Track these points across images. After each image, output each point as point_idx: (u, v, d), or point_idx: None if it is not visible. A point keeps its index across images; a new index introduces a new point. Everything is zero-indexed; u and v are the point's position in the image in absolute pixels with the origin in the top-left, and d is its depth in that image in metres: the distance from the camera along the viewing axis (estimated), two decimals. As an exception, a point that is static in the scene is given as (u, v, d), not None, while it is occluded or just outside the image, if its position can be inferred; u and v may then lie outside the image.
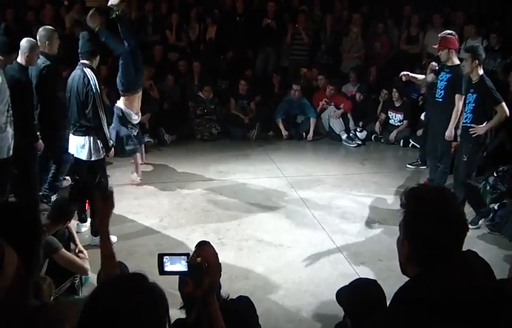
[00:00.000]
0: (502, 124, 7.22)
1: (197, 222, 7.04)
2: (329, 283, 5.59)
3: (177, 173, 8.85)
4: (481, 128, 6.89)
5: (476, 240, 6.77)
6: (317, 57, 12.39)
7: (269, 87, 12.02)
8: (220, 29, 12.32)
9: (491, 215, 7.21)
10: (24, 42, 6.44)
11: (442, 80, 7.71)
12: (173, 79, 11.20)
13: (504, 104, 6.82)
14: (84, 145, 6.29)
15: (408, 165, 9.56)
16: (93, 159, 6.34)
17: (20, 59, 6.37)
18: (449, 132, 7.55)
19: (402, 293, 2.05)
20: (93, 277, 5.10)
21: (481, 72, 6.94)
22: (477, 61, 6.86)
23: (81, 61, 6.31)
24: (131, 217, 7.08)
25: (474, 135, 6.90)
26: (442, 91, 7.70)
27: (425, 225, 2.06)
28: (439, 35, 7.73)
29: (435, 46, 7.85)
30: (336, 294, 3.65)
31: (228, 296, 3.42)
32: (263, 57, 12.45)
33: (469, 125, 7.00)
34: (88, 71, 6.19)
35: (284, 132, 11.09)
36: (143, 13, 12.34)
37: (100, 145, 6.30)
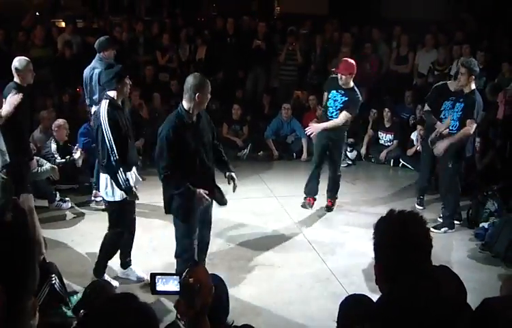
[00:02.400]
0: (466, 140, 7.49)
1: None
2: (319, 304, 5.61)
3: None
4: (442, 146, 7.22)
5: (467, 260, 6.82)
6: (307, 78, 12.44)
7: (260, 107, 12.05)
8: (210, 50, 12.39)
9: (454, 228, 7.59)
10: (17, 62, 6.46)
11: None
12: (160, 98, 11.17)
13: (474, 125, 7.19)
14: (107, 184, 5.73)
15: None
16: (108, 200, 5.90)
17: (16, 78, 6.41)
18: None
19: (375, 310, 2.26)
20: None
21: (474, 86, 7.28)
22: (473, 76, 7.22)
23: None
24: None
25: (435, 152, 7.38)
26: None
27: (389, 248, 2.26)
28: (343, 59, 7.97)
29: (334, 70, 8.07)
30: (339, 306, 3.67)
31: (233, 323, 3.41)
32: (253, 78, 12.50)
33: (455, 132, 7.30)
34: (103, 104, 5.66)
35: (274, 152, 11.09)
36: (133, 34, 12.40)
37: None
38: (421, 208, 8.41)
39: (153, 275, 2.24)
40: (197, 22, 13.90)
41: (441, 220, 7.70)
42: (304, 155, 10.96)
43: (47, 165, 7.81)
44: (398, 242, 2.24)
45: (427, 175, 8.42)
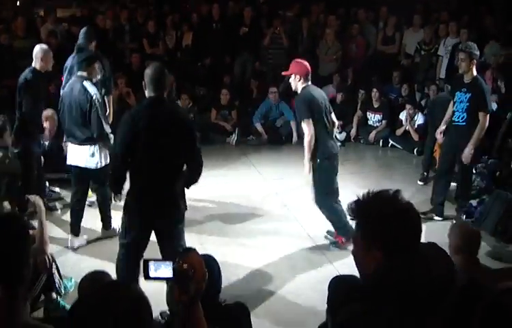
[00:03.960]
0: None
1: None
2: (312, 286, 5.62)
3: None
4: (467, 153, 6.93)
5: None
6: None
7: (248, 92, 12.03)
8: (196, 36, 12.34)
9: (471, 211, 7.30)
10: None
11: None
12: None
13: (487, 117, 6.87)
14: (93, 153, 6.27)
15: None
16: (100, 166, 6.35)
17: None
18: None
19: (367, 287, 2.22)
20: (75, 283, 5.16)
21: (475, 72, 6.97)
22: (474, 60, 6.89)
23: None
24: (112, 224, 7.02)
25: (464, 161, 7.00)
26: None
27: (378, 224, 2.22)
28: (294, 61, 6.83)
29: (284, 73, 7.11)
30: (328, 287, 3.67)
31: (225, 301, 3.42)
32: (240, 63, 12.47)
33: (461, 124, 7.03)
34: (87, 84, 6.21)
35: (263, 136, 11.08)
36: (118, 22, 12.32)
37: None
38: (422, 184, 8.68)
39: (146, 261, 2.23)
40: (183, 9, 13.80)
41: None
42: (295, 138, 10.92)
43: None
44: (387, 217, 2.23)
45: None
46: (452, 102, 7.28)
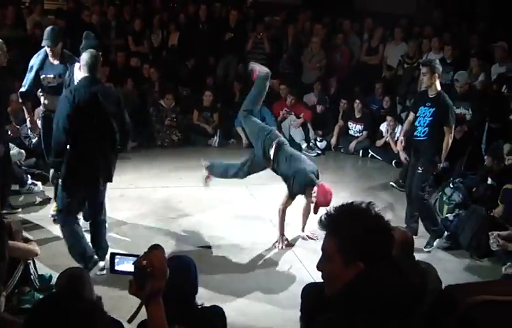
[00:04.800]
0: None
1: (157, 229, 7.03)
2: (287, 290, 5.68)
3: (137, 180, 8.80)
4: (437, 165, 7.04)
5: (432, 250, 6.93)
6: (279, 67, 12.47)
7: (230, 95, 12.07)
8: (182, 36, 12.34)
9: (445, 233, 7.24)
10: None
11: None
12: (133, 84, 11.14)
13: (452, 129, 6.89)
14: None
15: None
16: None
17: None
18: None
19: (343, 296, 2.19)
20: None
21: (439, 87, 6.97)
22: (436, 74, 6.88)
23: None
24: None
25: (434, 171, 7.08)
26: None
27: (370, 238, 2.20)
28: None
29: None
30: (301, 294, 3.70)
31: (202, 304, 3.44)
32: (224, 65, 12.49)
33: (423, 138, 6.98)
34: None
35: (244, 141, 11.09)
36: (105, 17, 12.28)
37: None
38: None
39: (112, 255, 2.28)
40: (170, 8, 13.79)
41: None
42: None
43: (14, 150, 7.76)
44: (377, 227, 2.25)
45: None
46: (411, 116, 7.32)
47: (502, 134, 9.06)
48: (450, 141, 6.89)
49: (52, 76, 6.86)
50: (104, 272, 5.68)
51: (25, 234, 5.36)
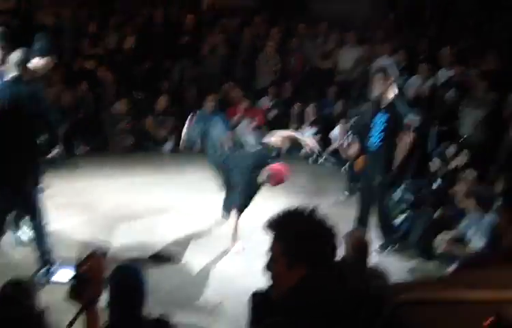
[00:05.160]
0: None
1: (109, 235, 7.01)
2: (237, 299, 5.67)
3: (89, 186, 8.74)
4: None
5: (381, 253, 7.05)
6: (233, 71, 12.50)
7: (185, 99, 12.04)
8: (138, 40, 12.27)
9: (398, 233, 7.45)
10: None
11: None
12: (88, 87, 11.04)
13: (408, 137, 6.91)
14: None
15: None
16: None
17: None
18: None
19: (287, 300, 2.24)
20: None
21: (394, 92, 6.92)
22: (390, 79, 6.84)
23: None
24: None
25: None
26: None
27: (294, 241, 2.27)
28: None
29: None
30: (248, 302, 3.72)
31: (149, 314, 3.43)
32: (179, 68, 12.47)
33: (378, 145, 7.00)
34: None
35: (198, 145, 11.04)
36: (60, 20, 12.13)
37: None
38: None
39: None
40: (126, 11, 13.68)
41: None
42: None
43: None
44: (303, 235, 2.29)
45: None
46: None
47: (450, 137, 9.29)
48: (405, 148, 6.95)
49: None
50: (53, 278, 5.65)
51: None
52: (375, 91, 6.97)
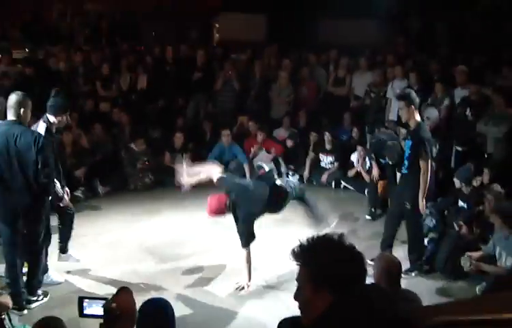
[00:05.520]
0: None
1: (131, 273, 6.98)
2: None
3: (111, 225, 8.77)
4: (422, 205, 6.93)
5: (406, 275, 6.95)
6: (247, 104, 12.56)
7: (201, 134, 12.10)
8: (150, 78, 12.40)
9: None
10: None
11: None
12: (101, 128, 11.15)
13: (428, 162, 6.81)
14: None
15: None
16: None
17: None
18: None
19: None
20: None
21: (418, 118, 6.99)
22: (413, 106, 6.87)
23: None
24: (63, 268, 7.03)
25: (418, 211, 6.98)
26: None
27: (340, 269, 2.27)
28: None
29: None
30: None
31: None
32: (193, 105, 12.55)
33: (405, 172, 7.09)
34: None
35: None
36: (72, 64, 12.30)
37: None
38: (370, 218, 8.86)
39: (80, 299, 2.29)
40: (137, 51, 13.87)
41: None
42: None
43: None
44: (347, 257, 2.30)
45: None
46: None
47: (469, 156, 9.24)
48: (428, 176, 6.82)
49: None
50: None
51: None
52: (402, 118, 7.12)
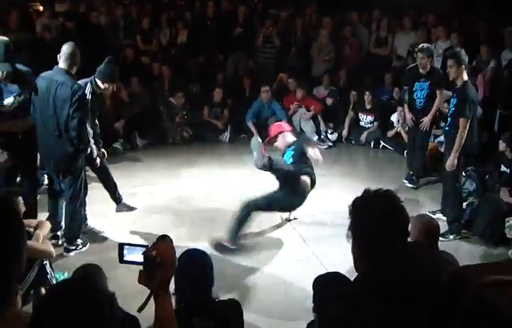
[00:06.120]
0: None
1: (170, 226, 7.02)
2: (301, 285, 5.65)
3: (149, 178, 8.84)
4: (451, 161, 6.90)
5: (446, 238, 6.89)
6: (288, 61, 12.47)
7: (241, 90, 12.08)
8: (191, 34, 12.37)
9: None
10: None
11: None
12: (137, 81, 11.21)
13: (468, 122, 6.77)
14: None
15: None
16: None
17: None
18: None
19: (354, 287, 2.27)
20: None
21: (466, 77, 6.96)
22: (463, 65, 6.88)
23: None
24: (103, 221, 7.07)
25: (448, 169, 6.98)
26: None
27: (367, 225, 2.30)
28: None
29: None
30: (312, 286, 3.70)
31: (217, 297, 3.47)
32: (233, 61, 12.50)
33: (446, 129, 7.22)
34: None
35: (255, 135, 11.09)
36: (113, 18, 12.34)
37: None
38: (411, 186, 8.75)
39: (121, 245, 2.30)
40: (177, 6, 13.82)
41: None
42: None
43: None
44: (375, 219, 2.28)
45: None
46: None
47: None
48: (464, 134, 6.80)
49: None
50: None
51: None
52: (449, 76, 7.07)
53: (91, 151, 6.58)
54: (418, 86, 8.51)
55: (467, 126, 6.79)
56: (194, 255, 3.55)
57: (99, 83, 6.53)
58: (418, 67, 8.43)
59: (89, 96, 6.37)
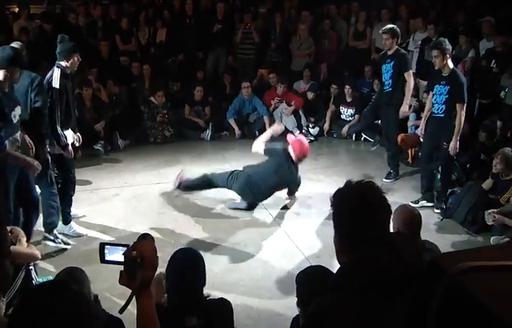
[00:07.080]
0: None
1: (153, 225, 6.99)
2: (285, 279, 5.68)
3: (132, 178, 8.79)
4: (453, 145, 7.22)
5: (429, 227, 6.94)
6: (267, 56, 12.48)
7: (221, 87, 12.07)
8: (170, 32, 12.33)
9: (443, 204, 7.47)
10: None
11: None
12: (113, 84, 11.16)
13: (465, 105, 7.14)
14: None
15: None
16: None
17: None
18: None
19: (336, 280, 2.24)
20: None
21: (451, 65, 7.26)
22: (447, 54, 7.17)
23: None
24: (86, 222, 7.06)
25: (451, 152, 7.30)
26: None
27: (348, 216, 2.28)
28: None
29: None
30: (295, 280, 3.71)
31: (208, 296, 3.46)
32: (213, 58, 12.48)
33: (441, 116, 7.34)
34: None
35: (237, 132, 11.11)
36: (91, 18, 12.26)
37: None
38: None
39: (102, 245, 2.29)
40: (156, 4, 13.76)
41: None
42: (267, 132, 11.01)
43: None
44: (356, 210, 2.26)
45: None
46: (430, 95, 7.59)
47: (492, 110, 9.12)
48: (463, 118, 7.17)
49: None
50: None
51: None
52: (435, 66, 7.35)
53: (59, 139, 6.29)
54: (383, 68, 8.54)
55: (464, 111, 7.16)
56: (186, 254, 3.57)
57: (63, 63, 6.36)
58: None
59: (58, 81, 6.22)
